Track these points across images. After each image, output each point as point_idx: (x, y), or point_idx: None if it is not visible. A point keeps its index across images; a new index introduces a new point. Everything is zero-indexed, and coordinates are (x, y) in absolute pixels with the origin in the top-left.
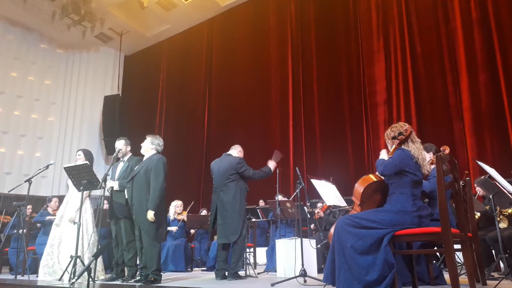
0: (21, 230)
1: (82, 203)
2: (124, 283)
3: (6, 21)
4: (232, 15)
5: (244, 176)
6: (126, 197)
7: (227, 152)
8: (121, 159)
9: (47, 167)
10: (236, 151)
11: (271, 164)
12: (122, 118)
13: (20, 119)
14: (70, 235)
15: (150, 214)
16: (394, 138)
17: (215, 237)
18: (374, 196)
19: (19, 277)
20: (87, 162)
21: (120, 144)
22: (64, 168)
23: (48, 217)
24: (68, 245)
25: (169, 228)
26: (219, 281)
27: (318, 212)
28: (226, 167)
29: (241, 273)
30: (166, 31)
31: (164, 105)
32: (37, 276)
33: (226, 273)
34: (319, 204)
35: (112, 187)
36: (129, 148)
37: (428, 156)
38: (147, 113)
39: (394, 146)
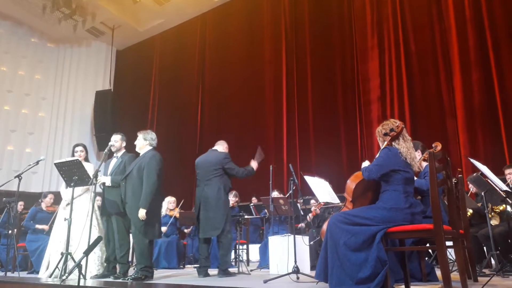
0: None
1: (73, 199)
2: (116, 280)
3: None
4: (225, 10)
5: (228, 173)
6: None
7: (213, 148)
8: (114, 154)
9: (37, 162)
10: (222, 147)
11: (254, 165)
12: (114, 113)
13: (10, 114)
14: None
15: (142, 213)
16: (385, 134)
17: None
18: (366, 192)
19: (9, 274)
20: (77, 158)
21: (117, 139)
22: (55, 164)
23: (37, 226)
24: (77, 241)
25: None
26: (209, 278)
27: (314, 210)
28: (211, 162)
29: (233, 270)
30: (159, 25)
31: (157, 100)
32: (27, 273)
33: (209, 271)
34: (313, 201)
35: (104, 183)
36: (124, 144)
37: (417, 155)
38: (139, 108)
39: (385, 142)
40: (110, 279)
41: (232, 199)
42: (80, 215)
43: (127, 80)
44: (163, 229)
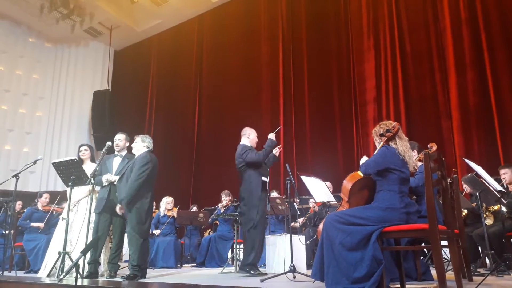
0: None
1: (70, 199)
2: (111, 279)
3: None
4: (223, 11)
5: (249, 163)
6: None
7: (240, 142)
8: (117, 153)
9: (35, 162)
10: (244, 138)
11: (271, 135)
12: (111, 113)
13: (7, 113)
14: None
15: (117, 206)
16: (381, 135)
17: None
18: (362, 192)
19: (6, 273)
20: (75, 157)
21: (121, 138)
22: (53, 163)
23: (32, 224)
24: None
25: (154, 231)
26: (207, 275)
27: (314, 206)
28: (236, 158)
29: (229, 269)
30: (157, 26)
31: (154, 100)
32: (24, 273)
33: (209, 270)
34: (311, 200)
35: (113, 182)
36: (127, 144)
37: (413, 155)
38: (137, 108)
39: (381, 143)
40: (104, 278)
41: (226, 198)
42: (83, 216)
43: (125, 80)
44: (157, 232)
